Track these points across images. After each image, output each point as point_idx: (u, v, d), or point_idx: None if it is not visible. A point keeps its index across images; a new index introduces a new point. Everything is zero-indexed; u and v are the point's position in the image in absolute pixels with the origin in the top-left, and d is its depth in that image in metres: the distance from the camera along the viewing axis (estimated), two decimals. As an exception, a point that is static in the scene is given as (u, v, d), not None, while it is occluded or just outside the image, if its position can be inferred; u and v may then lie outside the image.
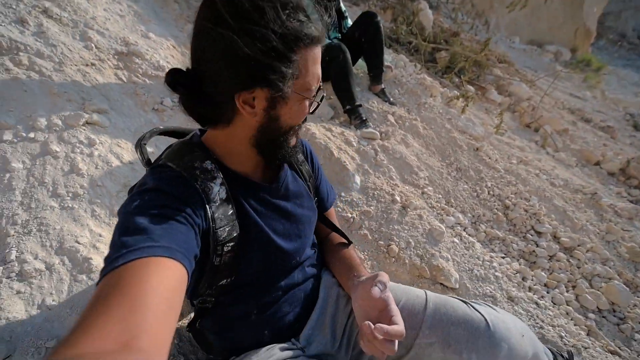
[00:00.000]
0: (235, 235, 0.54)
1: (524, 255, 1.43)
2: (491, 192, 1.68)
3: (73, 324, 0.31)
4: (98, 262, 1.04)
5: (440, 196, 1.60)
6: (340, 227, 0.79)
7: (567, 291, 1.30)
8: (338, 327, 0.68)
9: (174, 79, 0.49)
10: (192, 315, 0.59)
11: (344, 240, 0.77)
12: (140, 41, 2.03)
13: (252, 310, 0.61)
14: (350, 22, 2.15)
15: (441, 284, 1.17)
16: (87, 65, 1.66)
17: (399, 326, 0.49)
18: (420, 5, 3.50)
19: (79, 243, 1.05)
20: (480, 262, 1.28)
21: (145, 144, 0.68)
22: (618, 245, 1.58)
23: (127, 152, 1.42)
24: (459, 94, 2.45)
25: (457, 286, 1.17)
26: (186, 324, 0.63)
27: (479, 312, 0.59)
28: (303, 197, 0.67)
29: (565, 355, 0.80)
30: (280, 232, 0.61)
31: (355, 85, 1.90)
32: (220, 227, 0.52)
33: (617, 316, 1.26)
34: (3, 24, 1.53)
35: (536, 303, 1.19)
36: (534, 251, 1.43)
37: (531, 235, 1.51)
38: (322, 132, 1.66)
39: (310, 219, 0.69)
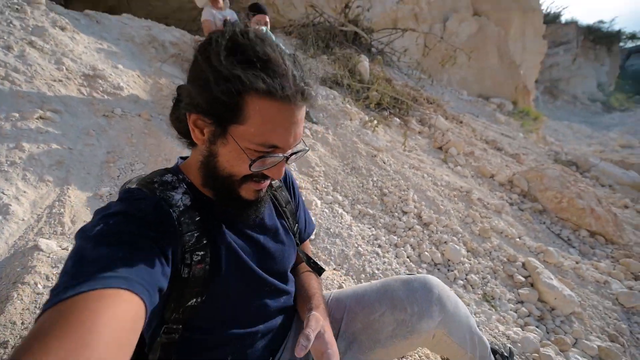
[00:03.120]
0: (205, 242, 0.50)
1: (387, 227, 1.74)
2: (375, 185, 2.05)
3: None
4: (15, 208, 1.32)
5: (329, 184, 1.96)
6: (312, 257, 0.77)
7: (413, 250, 1.60)
8: None
9: (176, 92, 0.53)
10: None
11: (309, 269, 0.74)
12: (108, 69, 2.53)
13: (227, 354, 0.56)
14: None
15: (299, 235, 1.46)
16: (54, 80, 2.10)
17: None
18: (360, 58, 4.29)
19: (3, 194, 1.34)
20: (340, 225, 1.59)
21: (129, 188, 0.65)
22: (474, 226, 1.92)
23: (69, 141, 1.77)
24: (372, 117, 2.97)
25: (313, 237, 1.47)
26: None
27: (411, 274, 0.69)
28: (278, 230, 0.65)
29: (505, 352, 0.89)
30: (256, 261, 0.58)
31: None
32: (188, 232, 0.49)
33: (449, 269, 1.55)
34: (-9, 48, 2.00)
35: (377, 253, 1.49)
36: (395, 224, 1.75)
37: (398, 213, 1.85)
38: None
39: (284, 253, 0.64)
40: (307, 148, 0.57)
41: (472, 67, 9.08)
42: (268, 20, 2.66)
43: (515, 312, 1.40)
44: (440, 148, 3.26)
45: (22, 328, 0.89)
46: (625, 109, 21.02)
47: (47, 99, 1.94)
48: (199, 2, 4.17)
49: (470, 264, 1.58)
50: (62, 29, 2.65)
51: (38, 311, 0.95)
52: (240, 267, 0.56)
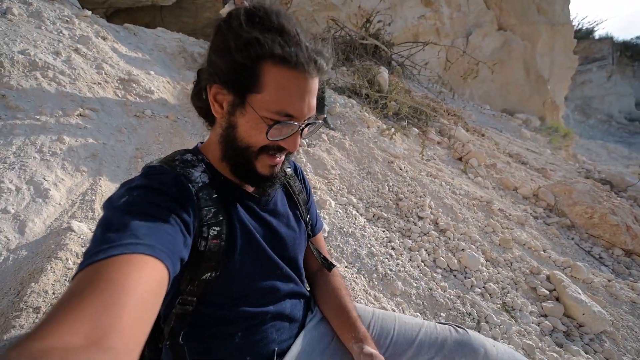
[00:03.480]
0: (221, 219, 0.53)
1: (402, 230, 1.71)
2: (391, 190, 2.03)
3: (44, 316, 0.30)
4: (53, 193, 1.43)
5: (344, 187, 1.97)
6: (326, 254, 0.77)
7: (428, 255, 1.55)
8: None
9: (197, 74, 0.57)
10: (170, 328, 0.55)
11: (335, 278, 0.75)
12: (141, 74, 2.72)
13: (237, 331, 0.58)
14: None
15: (312, 232, 1.47)
16: (94, 83, 2.29)
17: None
18: (379, 69, 4.34)
19: (45, 179, 1.46)
20: (354, 225, 1.58)
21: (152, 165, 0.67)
22: (494, 236, 1.85)
23: (103, 136, 1.91)
24: (390, 126, 2.97)
25: (326, 235, 1.47)
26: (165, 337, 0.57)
27: (461, 328, 0.71)
28: (289, 216, 0.67)
29: None
30: (268, 244, 0.60)
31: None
32: (206, 207, 0.51)
33: (465, 276, 1.49)
34: (44, 53, 2.22)
35: (390, 255, 1.46)
36: (410, 229, 1.72)
37: (413, 218, 1.81)
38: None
39: (294, 240, 0.66)
40: (321, 122, 0.59)
41: (496, 82, 8.90)
42: None
43: (538, 326, 1.32)
44: (460, 159, 3.19)
45: (53, 297, 0.95)
46: (668, 129, 19.64)
47: (87, 99, 2.11)
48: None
49: (488, 273, 1.51)
50: (104, 38, 2.90)
51: (67, 283, 1.01)
52: (254, 247, 0.58)
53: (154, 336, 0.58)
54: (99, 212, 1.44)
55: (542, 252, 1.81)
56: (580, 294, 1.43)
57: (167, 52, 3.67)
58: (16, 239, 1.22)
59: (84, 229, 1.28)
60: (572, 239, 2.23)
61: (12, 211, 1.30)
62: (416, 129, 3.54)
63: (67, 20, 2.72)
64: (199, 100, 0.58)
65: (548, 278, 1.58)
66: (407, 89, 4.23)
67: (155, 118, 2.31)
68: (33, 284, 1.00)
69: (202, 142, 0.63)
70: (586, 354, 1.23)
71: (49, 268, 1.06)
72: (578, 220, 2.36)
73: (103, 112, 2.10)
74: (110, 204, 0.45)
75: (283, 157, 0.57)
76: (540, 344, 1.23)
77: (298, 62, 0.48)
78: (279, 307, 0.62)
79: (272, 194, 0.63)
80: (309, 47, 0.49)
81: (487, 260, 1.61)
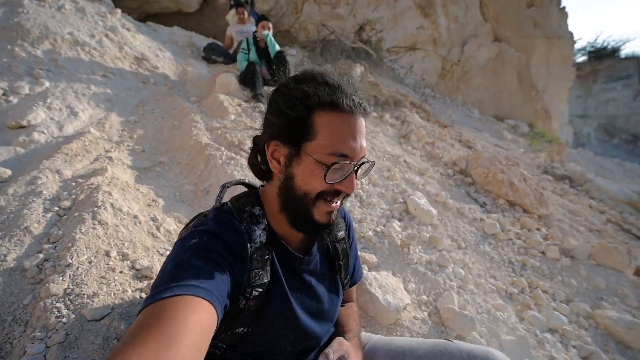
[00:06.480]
0: (266, 281, 0.57)
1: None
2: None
3: (116, 347, 0.37)
4: (81, 115, 2.23)
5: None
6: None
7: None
8: None
9: (252, 141, 0.64)
10: None
11: (348, 308, 0.81)
12: (151, 56, 3.58)
13: None
14: (277, 47, 3.48)
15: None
16: (116, 58, 3.16)
17: None
18: (354, 65, 5.06)
19: (76, 107, 2.26)
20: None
21: (228, 187, 0.71)
22: (387, 173, 2.47)
23: (117, 90, 2.72)
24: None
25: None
26: None
27: (472, 345, 0.69)
28: (327, 278, 0.70)
29: None
30: (306, 308, 0.64)
31: (261, 84, 3.19)
32: (256, 269, 0.56)
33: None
34: (83, 35, 3.11)
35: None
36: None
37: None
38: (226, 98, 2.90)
39: (332, 301, 0.70)
40: (373, 160, 0.65)
41: (489, 89, 9.36)
42: (271, 26, 3.57)
43: (382, 213, 1.94)
44: (404, 137, 3.81)
45: (73, 157, 1.71)
46: (696, 152, 18.78)
47: (109, 68, 2.96)
48: (230, 21, 5.43)
49: (363, 188, 2.15)
50: (128, 30, 3.81)
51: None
52: (287, 314, 0.62)
53: None
54: (108, 129, 2.23)
55: (421, 186, 2.41)
56: (421, 199, 2.03)
57: (178, 45, 4.57)
58: (57, 133, 2.01)
59: (97, 134, 2.06)
60: (467, 191, 2.79)
61: (57, 120, 2.10)
62: (375, 113, 4.19)
63: (102, 15, 3.64)
64: (256, 160, 0.65)
65: (409, 196, 2.18)
66: (376, 83, 4.90)
67: (157, 85, 3.13)
68: (65, 147, 1.77)
69: (262, 186, 0.68)
70: (405, 228, 1.84)
71: (75, 142, 1.84)
72: (478, 178, 2.92)
73: (119, 77, 2.94)
74: (182, 243, 0.52)
75: (339, 202, 0.60)
76: (378, 219, 1.85)
77: (346, 105, 0.54)
78: None
79: (314, 255, 0.68)
80: (352, 93, 0.56)
81: (369, 182, 2.25)
